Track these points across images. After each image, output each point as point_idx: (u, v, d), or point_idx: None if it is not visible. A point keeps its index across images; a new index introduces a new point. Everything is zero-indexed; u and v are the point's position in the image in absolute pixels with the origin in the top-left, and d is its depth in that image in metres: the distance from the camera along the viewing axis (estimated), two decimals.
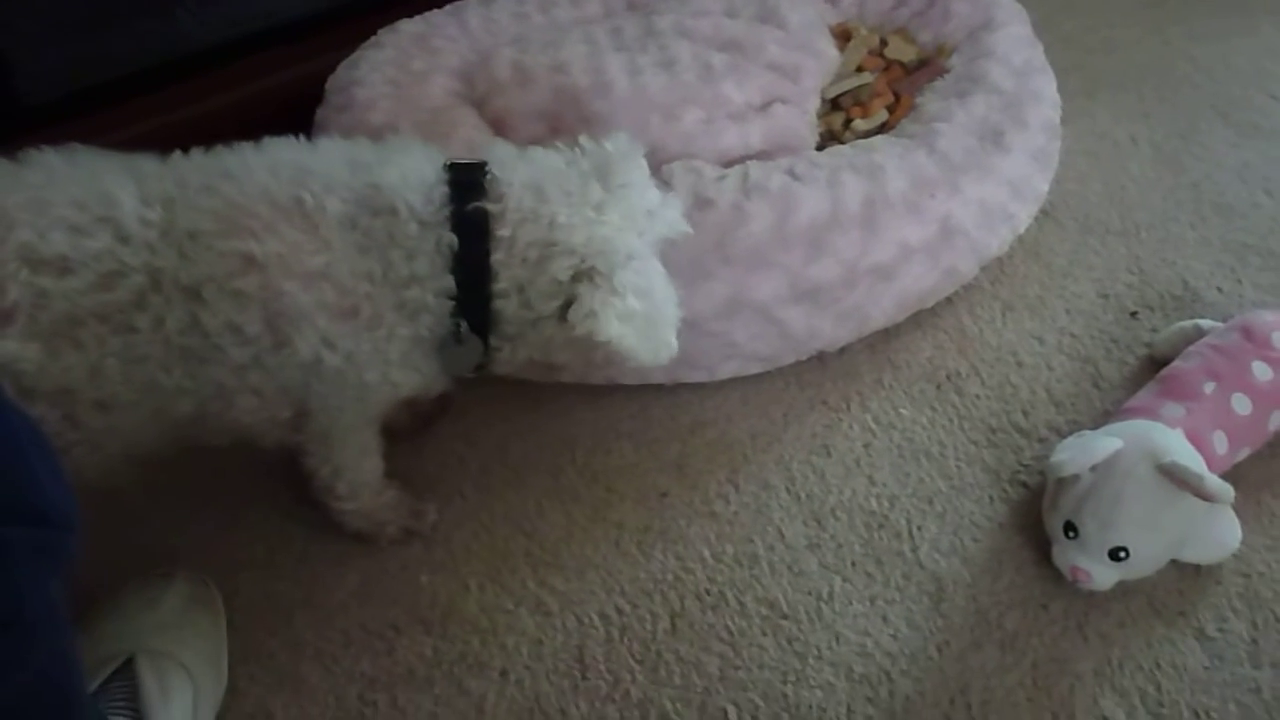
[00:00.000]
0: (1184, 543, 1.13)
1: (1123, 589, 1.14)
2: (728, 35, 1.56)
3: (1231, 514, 1.15)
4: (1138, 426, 1.16)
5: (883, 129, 1.53)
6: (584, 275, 0.99)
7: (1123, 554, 1.10)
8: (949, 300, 1.46)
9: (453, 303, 1.00)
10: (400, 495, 1.23)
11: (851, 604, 1.16)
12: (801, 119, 1.50)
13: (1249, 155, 1.69)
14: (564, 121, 1.41)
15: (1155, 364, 1.33)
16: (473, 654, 1.14)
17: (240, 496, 1.26)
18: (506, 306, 1.02)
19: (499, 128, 1.44)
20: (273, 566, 1.21)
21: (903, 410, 1.35)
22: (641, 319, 0.99)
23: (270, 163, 0.98)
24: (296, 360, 0.98)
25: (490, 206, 0.98)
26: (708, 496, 1.26)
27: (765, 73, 1.51)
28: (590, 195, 1.01)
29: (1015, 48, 1.58)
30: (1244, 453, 1.21)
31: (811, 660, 1.12)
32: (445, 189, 0.99)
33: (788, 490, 1.27)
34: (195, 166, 0.99)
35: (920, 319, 1.44)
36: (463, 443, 1.33)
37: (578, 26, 1.61)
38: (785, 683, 1.10)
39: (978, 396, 1.36)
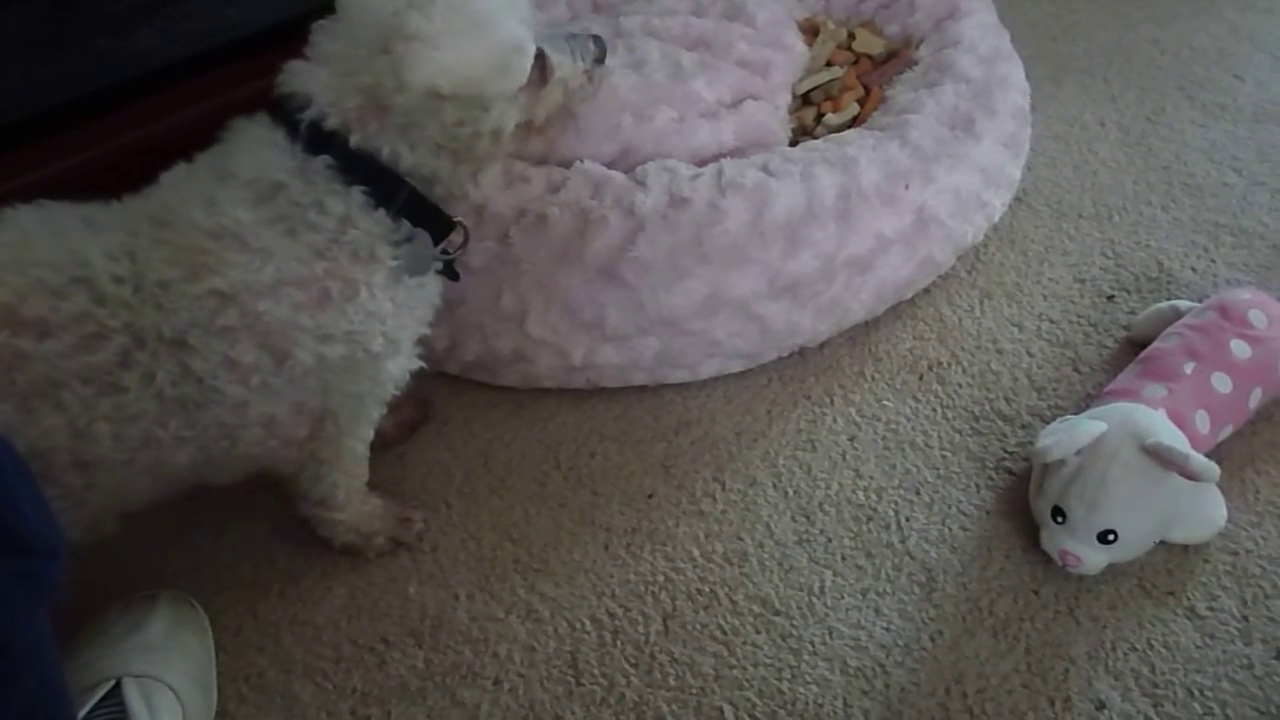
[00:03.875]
0: (1171, 523, 1.13)
1: (1112, 571, 1.14)
2: (696, 34, 1.56)
3: (1217, 492, 1.15)
4: (1120, 409, 1.16)
5: (854, 122, 1.53)
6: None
7: (1111, 536, 1.10)
8: (927, 290, 1.46)
9: (382, 211, 0.99)
10: (386, 504, 1.22)
11: (843, 597, 1.16)
12: (773, 115, 1.50)
13: (1216, 135, 1.70)
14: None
15: (1134, 346, 1.34)
16: (465, 664, 1.13)
17: (222, 515, 1.25)
18: (408, 158, 0.99)
19: None
20: (258, 585, 1.20)
21: (886, 402, 1.34)
22: (465, 40, 0.95)
23: (181, 199, 0.97)
24: (302, 369, 0.98)
25: (308, 113, 0.96)
26: (695, 496, 1.26)
27: (735, 70, 1.50)
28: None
29: (982, 36, 1.59)
30: (1227, 431, 1.21)
31: (806, 656, 1.11)
32: (283, 130, 0.97)
33: (775, 486, 1.26)
34: (134, 212, 0.97)
35: (899, 310, 1.44)
36: (446, 451, 1.32)
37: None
38: (781, 679, 1.10)
39: (960, 385, 1.36)
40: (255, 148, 0.98)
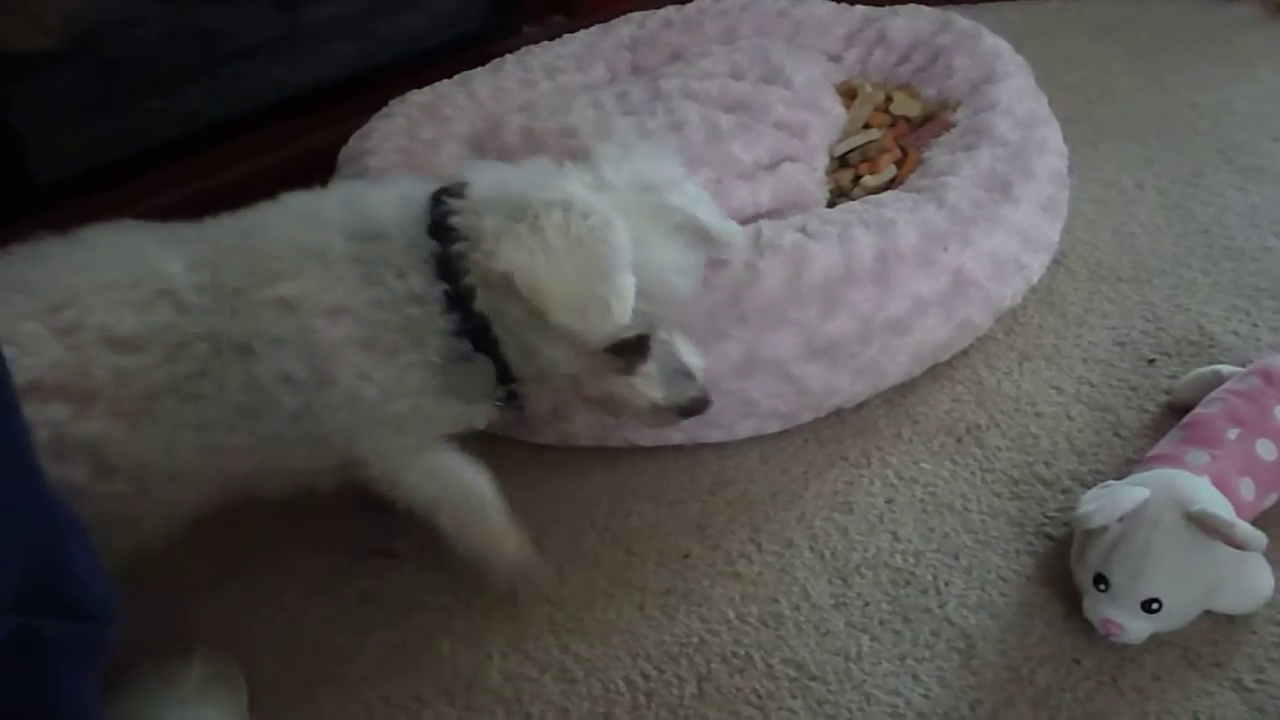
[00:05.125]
0: (1216, 592, 1.11)
1: (1156, 641, 1.12)
2: (734, 96, 1.57)
3: (1263, 561, 1.13)
4: (1163, 475, 1.15)
5: (891, 184, 1.54)
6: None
7: (1155, 605, 1.08)
8: (964, 352, 1.46)
9: (452, 318, 1.01)
10: (522, 539, 1.20)
11: (880, 663, 1.14)
12: (810, 176, 1.51)
13: (1256, 199, 1.69)
14: None
15: (1176, 411, 1.33)
16: None
17: (259, 570, 1.26)
18: (486, 303, 1.01)
19: None
20: (293, 640, 1.20)
21: (924, 464, 1.34)
22: (564, 261, 0.94)
23: (286, 212, 1.03)
24: (340, 397, 1.00)
25: (453, 202, 1.01)
26: (730, 557, 1.25)
27: (773, 132, 1.52)
28: (551, 171, 1.03)
29: (1019, 99, 1.59)
30: (1272, 498, 1.19)
31: None
32: (426, 204, 1.02)
33: (811, 548, 1.25)
34: (225, 227, 1.03)
35: (937, 372, 1.43)
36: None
37: (584, 91, 1.63)
38: None
39: (998, 448, 1.35)
40: (394, 198, 1.03)
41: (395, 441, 1.08)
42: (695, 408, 1.08)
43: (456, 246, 0.99)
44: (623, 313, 0.95)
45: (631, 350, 1.03)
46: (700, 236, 1.06)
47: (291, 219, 1.02)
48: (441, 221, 1.00)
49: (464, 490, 1.15)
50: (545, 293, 0.95)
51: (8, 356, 0.85)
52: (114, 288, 0.95)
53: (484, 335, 1.03)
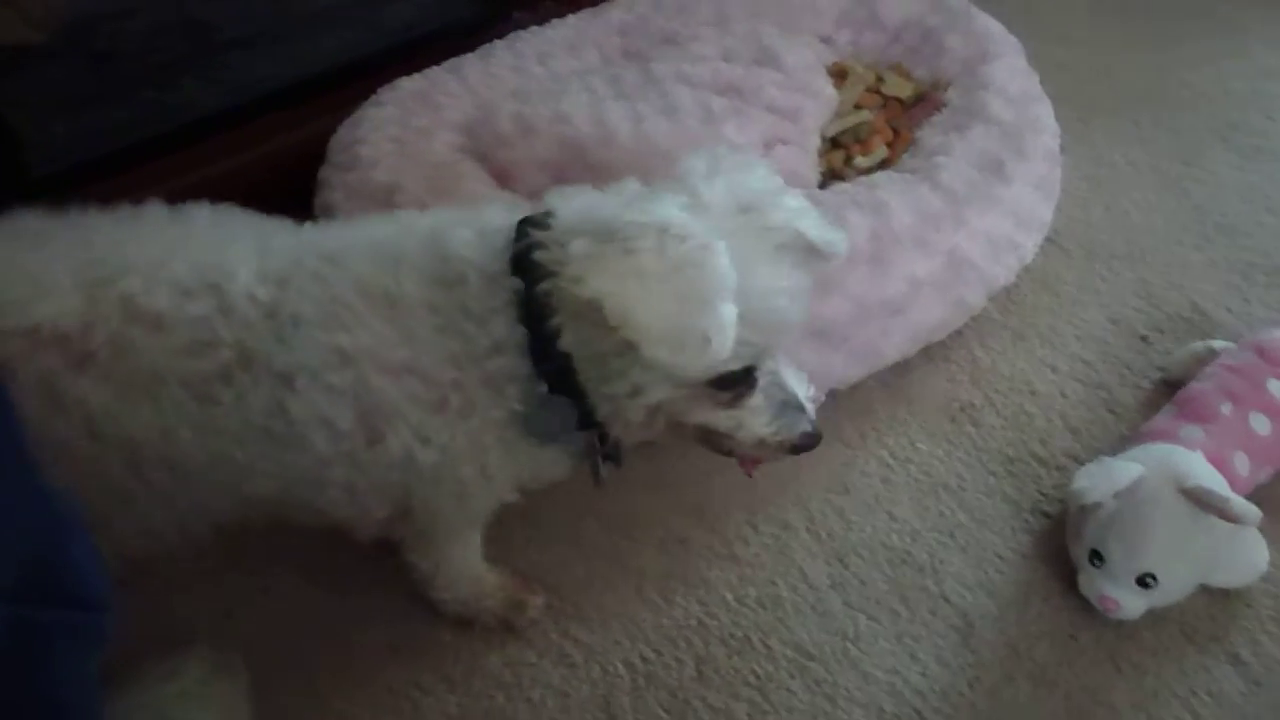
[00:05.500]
0: (1212, 566, 1.12)
1: (1153, 616, 1.12)
2: (726, 79, 1.57)
3: (1258, 535, 1.14)
4: (1158, 450, 1.15)
5: (883, 165, 1.54)
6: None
7: (1151, 580, 1.09)
8: (959, 332, 1.46)
9: (530, 361, 0.93)
10: (501, 582, 1.20)
11: (878, 642, 1.15)
12: (803, 158, 1.51)
13: (1249, 176, 1.69)
14: (568, 171, 1.42)
15: (1170, 387, 1.33)
16: (498, 710, 1.12)
17: (259, 562, 1.26)
18: (570, 341, 0.92)
19: (503, 180, 1.45)
20: (294, 632, 1.20)
21: (919, 444, 1.34)
22: (659, 289, 0.85)
23: (370, 245, 0.96)
24: (389, 458, 0.95)
25: (538, 234, 0.92)
26: (727, 540, 1.26)
27: (765, 115, 1.52)
28: (642, 192, 0.94)
29: (1011, 78, 1.59)
30: (1266, 472, 1.20)
31: (841, 702, 1.10)
32: (508, 236, 0.94)
33: (808, 530, 1.26)
34: (314, 246, 0.97)
35: (932, 352, 1.44)
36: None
37: (577, 77, 1.63)
38: None
39: (994, 427, 1.35)
40: (475, 234, 0.95)
41: (451, 505, 1.03)
42: (806, 444, 0.98)
43: (543, 285, 0.90)
44: (724, 345, 0.85)
45: (737, 382, 0.93)
46: (807, 253, 0.96)
47: (371, 257, 0.94)
48: (525, 255, 0.91)
49: (473, 559, 1.17)
50: (638, 324, 0.85)
51: (24, 295, 0.87)
52: (167, 265, 0.92)
53: (565, 377, 0.94)
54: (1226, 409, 1.19)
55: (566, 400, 0.95)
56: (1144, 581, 1.09)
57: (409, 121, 1.53)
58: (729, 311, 0.84)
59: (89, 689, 0.69)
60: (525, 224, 0.93)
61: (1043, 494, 1.27)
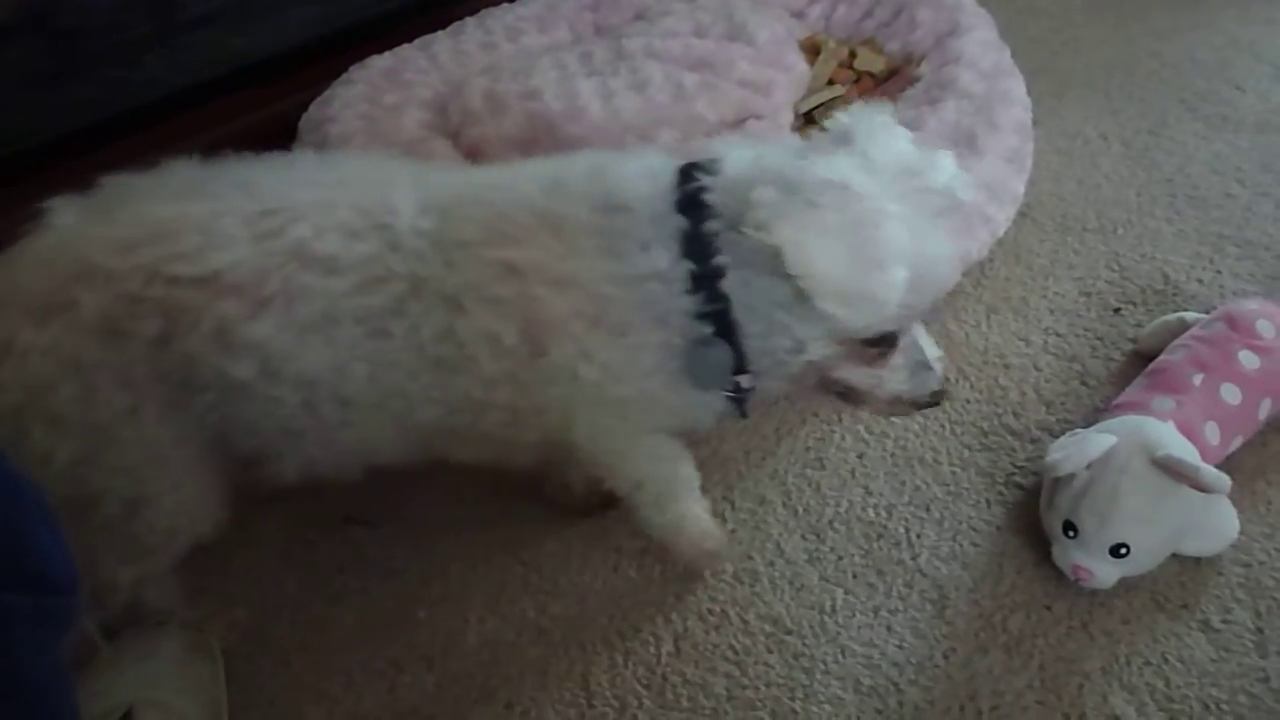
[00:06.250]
0: (1183, 535, 1.13)
1: (1125, 585, 1.13)
2: (698, 55, 1.56)
3: (1229, 504, 1.15)
4: (1130, 422, 1.16)
5: None
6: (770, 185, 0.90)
7: (1123, 550, 1.09)
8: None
9: (695, 298, 0.94)
10: (712, 529, 1.18)
11: (855, 616, 1.15)
12: (775, 134, 1.51)
13: (1219, 147, 1.70)
14: (539, 147, 1.41)
15: (1142, 359, 1.34)
16: (476, 687, 1.12)
17: (231, 542, 1.24)
18: (734, 286, 0.94)
19: (474, 157, 1.44)
20: (268, 610, 1.20)
21: (894, 419, 1.34)
22: (837, 244, 0.87)
23: (529, 176, 1.00)
24: (552, 372, 0.97)
25: (707, 178, 0.94)
26: None
27: (737, 90, 1.51)
28: (814, 147, 0.96)
29: (983, 52, 1.59)
30: (1237, 442, 1.21)
31: (818, 675, 1.11)
32: (672, 178, 0.96)
33: (784, 505, 1.26)
34: (470, 180, 1.02)
35: None
36: (455, 473, 1.32)
37: (547, 53, 1.62)
38: (793, 699, 1.09)
39: (968, 401, 1.36)
40: (639, 171, 0.97)
41: (614, 425, 1.04)
42: (935, 401, 1.02)
43: (709, 224, 0.92)
44: (891, 307, 0.88)
45: (885, 341, 0.96)
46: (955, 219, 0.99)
47: (534, 183, 0.98)
48: (694, 197, 0.93)
49: (672, 474, 1.13)
50: (815, 275, 0.87)
51: (200, 242, 0.91)
52: (332, 208, 0.94)
53: (725, 319, 0.95)
54: (1198, 380, 1.20)
55: (725, 348, 0.96)
56: (1116, 551, 1.09)
57: (379, 99, 1.52)
58: (900, 274, 0.87)
59: (57, 671, 0.69)
60: (691, 168, 0.96)
61: (1016, 466, 1.28)
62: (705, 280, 0.94)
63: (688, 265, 0.93)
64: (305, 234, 0.93)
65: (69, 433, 0.91)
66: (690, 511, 1.15)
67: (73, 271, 0.90)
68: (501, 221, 0.95)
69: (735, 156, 0.95)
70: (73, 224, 0.94)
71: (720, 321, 0.95)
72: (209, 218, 0.93)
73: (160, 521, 1.01)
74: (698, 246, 0.93)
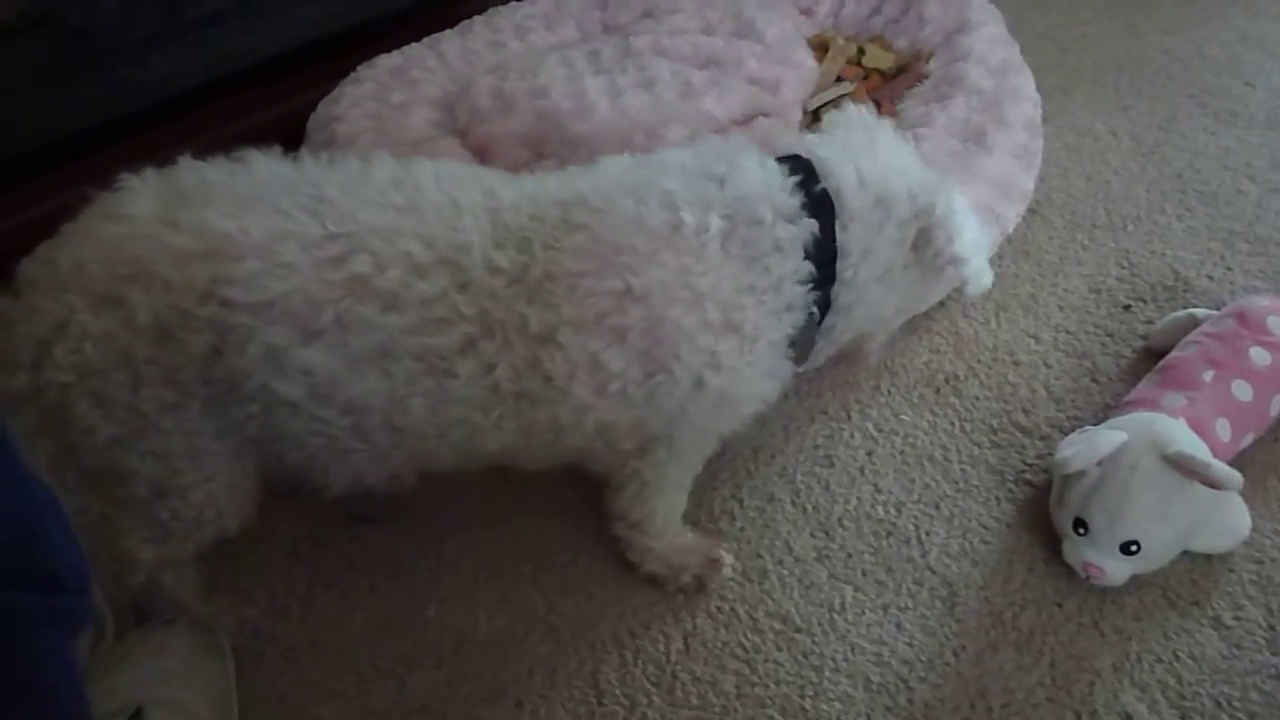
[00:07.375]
0: (1194, 532, 1.12)
1: (1136, 582, 1.13)
2: (706, 52, 1.56)
3: (1240, 501, 1.14)
4: (1140, 418, 1.15)
5: None
6: (923, 214, 1.04)
7: (1134, 547, 1.09)
8: (942, 303, 1.46)
9: (809, 288, 1.01)
10: (699, 540, 1.20)
11: (864, 613, 1.15)
12: (784, 131, 1.50)
13: (1229, 142, 1.69)
14: (547, 145, 1.41)
15: (1152, 355, 1.33)
16: (485, 684, 1.12)
17: (240, 540, 1.25)
18: (850, 272, 1.03)
19: (482, 155, 1.44)
20: (277, 608, 1.20)
21: (903, 416, 1.34)
22: (976, 246, 1.07)
23: (618, 186, 0.97)
24: (671, 388, 0.97)
25: (831, 184, 1.01)
26: (713, 513, 1.25)
27: (746, 87, 1.51)
28: (896, 150, 1.07)
29: (992, 48, 1.59)
30: (1248, 439, 1.20)
31: (828, 672, 1.10)
32: (791, 181, 1.00)
33: (793, 502, 1.26)
34: (549, 197, 0.97)
35: (914, 323, 1.44)
36: (464, 471, 1.32)
37: (555, 51, 1.62)
38: (803, 697, 1.09)
39: (977, 398, 1.35)
40: (758, 170, 1.00)
41: (712, 428, 1.07)
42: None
43: (839, 226, 1.01)
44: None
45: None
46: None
47: (631, 198, 0.95)
48: (821, 200, 1.00)
49: (680, 504, 1.18)
50: (975, 273, 1.09)
51: (257, 268, 0.87)
52: (400, 236, 0.90)
53: (827, 304, 1.04)
54: (1208, 376, 1.19)
55: (817, 328, 1.05)
56: (1127, 548, 1.09)
57: (386, 98, 1.52)
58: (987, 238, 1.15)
59: (69, 671, 0.69)
60: (801, 173, 1.01)
61: (1026, 463, 1.27)
62: (826, 276, 1.01)
63: (810, 265, 0.99)
64: (365, 269, 0.89)
65: (112, 415, 0.91)
66: (682, 536, 1.19)
67: (130, 272, 0.88)
68: (605, 249, 0.93)
69: (834, 155, 1.03)
70: (141, 215, 0.90)
71: (822, 303, 1.03)
72: (271, 239, 0.89)
73: (187, 511, 1.00)
74: (827, 248, 1.00)
